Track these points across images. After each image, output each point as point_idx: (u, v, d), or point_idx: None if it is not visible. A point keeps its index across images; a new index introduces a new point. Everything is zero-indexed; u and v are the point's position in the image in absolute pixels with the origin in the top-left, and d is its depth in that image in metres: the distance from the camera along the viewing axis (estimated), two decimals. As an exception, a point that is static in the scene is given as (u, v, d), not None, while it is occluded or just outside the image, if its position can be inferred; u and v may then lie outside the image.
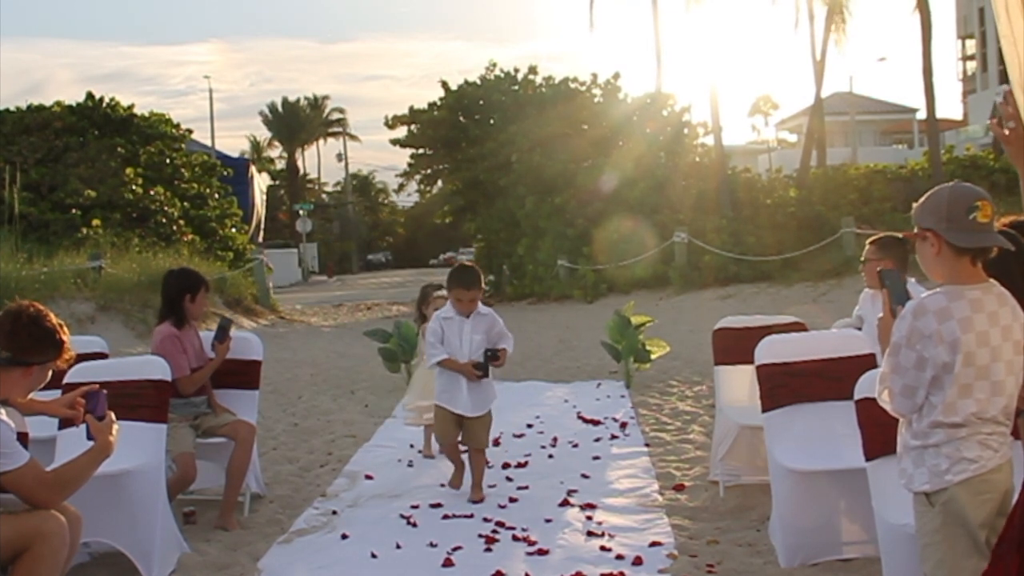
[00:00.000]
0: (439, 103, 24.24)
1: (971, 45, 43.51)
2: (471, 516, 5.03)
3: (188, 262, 16.69)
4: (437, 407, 5.34)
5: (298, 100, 67.28)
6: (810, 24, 23.17)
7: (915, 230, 2.73)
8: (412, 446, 6.67)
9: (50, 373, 3.48)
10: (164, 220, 19.53)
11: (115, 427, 3.50)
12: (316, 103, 67.73)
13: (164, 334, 5.09)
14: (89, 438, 3.50)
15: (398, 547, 4.55)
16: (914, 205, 2.75)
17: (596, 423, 7.44)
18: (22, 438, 3.46)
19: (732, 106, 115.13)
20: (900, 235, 5.00)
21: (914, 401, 2.63)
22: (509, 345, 5.35)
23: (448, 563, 4.30)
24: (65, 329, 3.48)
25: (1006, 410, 2.63)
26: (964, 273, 2.62)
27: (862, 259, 4.92)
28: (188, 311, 5.20)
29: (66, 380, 4.38)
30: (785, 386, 4.30)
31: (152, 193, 19.81)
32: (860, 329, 4.78)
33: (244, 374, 5.44)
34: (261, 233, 29.05)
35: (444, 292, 6.78)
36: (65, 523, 3.21)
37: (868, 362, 4.10)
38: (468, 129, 24.14)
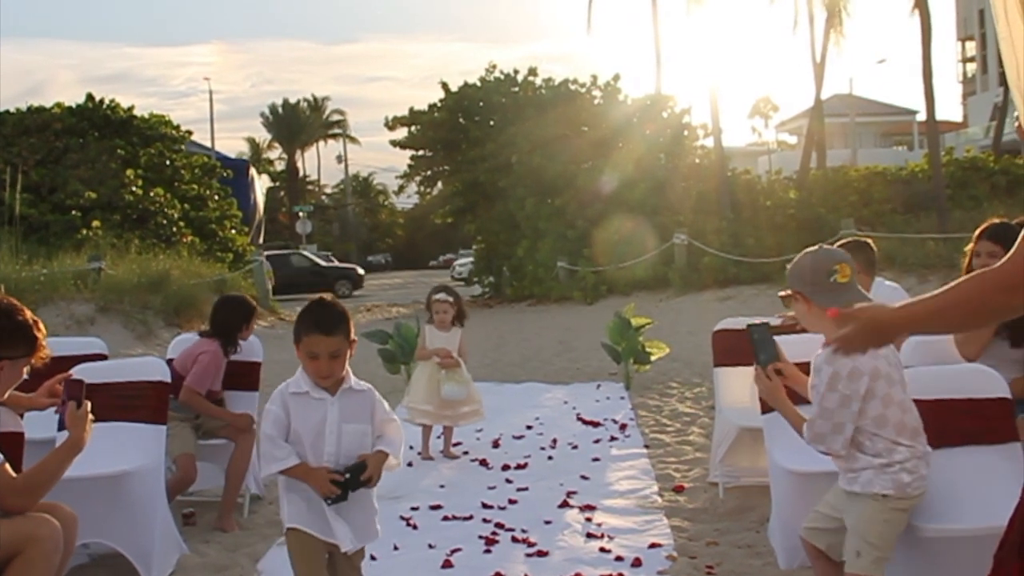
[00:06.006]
0: (439, 105, 24.24)
1: (971, 47, 43.58)
2: (470, 518, 5.03)
3: (188, 264, 16.73)
4: (299, 533, 3.15)
5: (298, 102, 67.40)
6: (810, 26, 23.21)
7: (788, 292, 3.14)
8: (412, 447, 6.67)
9: (25, 372, 3.34)
10: (164, 222, 19.54)
11: (90, 421, 3.37)
12: (316, 105, 67.84)
13: (210, 350, 5.16)
14: (61, 428, 3.45)
15: (396, 548, 4.55)
16: (787, 267, 3.17)
17: (596, 425, 7.44)
18: (18, 438, 3.45)
19: (732, 108, 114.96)
20: (866, 239, 4.99)
21: (844, 436, 2.98)
22: (393, 446, 3.24)
23: (447, 564, 4.30)
24: (41, 327, 3.35)
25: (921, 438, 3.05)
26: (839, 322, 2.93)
27: None
28: (242, 338, 5.32)
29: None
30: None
31: (152, 195, 19.82)
32: None
33: (244, 375, 5.44)
34: (262, 235, 29.05)
35: (443, 296, 6.73)
36: (59, 527, 3.17)
37: (867, 363, 4.09)
38: (468, 131, 24.14)
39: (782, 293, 3.18)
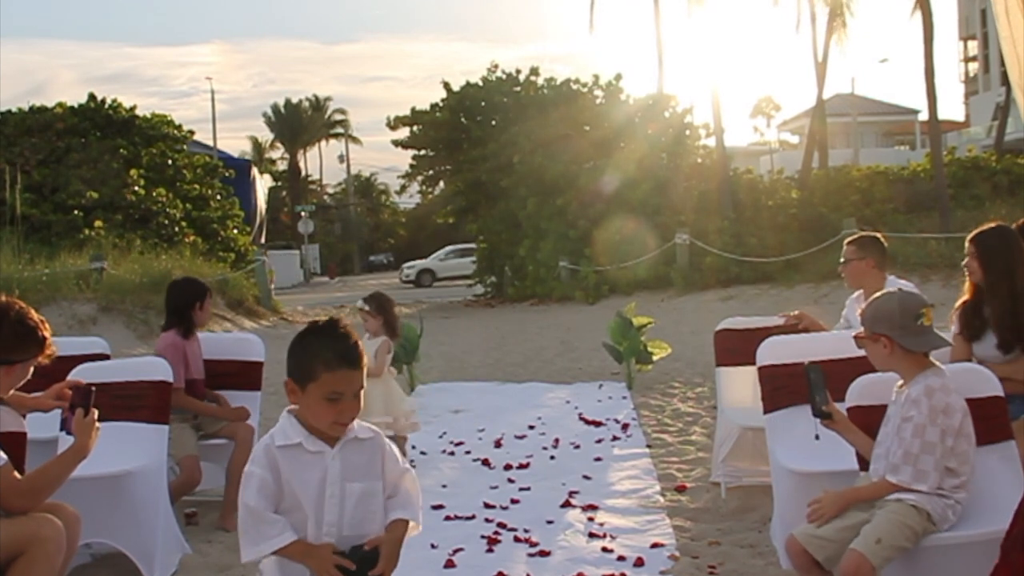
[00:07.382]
0: (441, 104, 24.23)
1: (973, 46, 43.56)
2: (472, 517, 5.02)
3: (190, 263, 16.74)
4: None
5: (300, 101, 67.38)
6: (812, 25, 23.19)
7: (865, 333, 3.20)
8: (414, 447, 6.67)
9: (31, 370, 3.42)
10: (166, 221, 19.57)
11: (96, 428, 3.38)
12: (318, 104, 67.79)
13: (167, 343, 5.12)
14: (62, 429, 3.48)
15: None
16: (861, 308, 3.26)
17: (598, 424, 7.44)
18: (20, 438, 3.46)
19: (734, 107, 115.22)
20: (877, 234, 4.99)
21: (939, 472, 3.04)
22: (411, 508, 2.60)
23: (450, 564, 4.30)
24: (46, 325, 3.43)
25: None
26: (919, 363, 3.16)
27: (842, 259, 4.89)
28: (197, 320, 5.25)
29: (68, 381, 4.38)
30: (787, 387, 4.28)
31: (154, 194, 19.85)
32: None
33: (245, 375, 5.44)
34: (264, 234, 29.07)
35: (361, 304, 6.30)
36: (62, 528, 3.18)
37: (870, 364, 4.08)
38: (470, 130, 24.13)
39: (858, 334, 3.25)
